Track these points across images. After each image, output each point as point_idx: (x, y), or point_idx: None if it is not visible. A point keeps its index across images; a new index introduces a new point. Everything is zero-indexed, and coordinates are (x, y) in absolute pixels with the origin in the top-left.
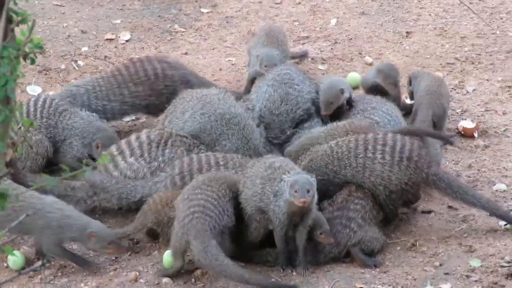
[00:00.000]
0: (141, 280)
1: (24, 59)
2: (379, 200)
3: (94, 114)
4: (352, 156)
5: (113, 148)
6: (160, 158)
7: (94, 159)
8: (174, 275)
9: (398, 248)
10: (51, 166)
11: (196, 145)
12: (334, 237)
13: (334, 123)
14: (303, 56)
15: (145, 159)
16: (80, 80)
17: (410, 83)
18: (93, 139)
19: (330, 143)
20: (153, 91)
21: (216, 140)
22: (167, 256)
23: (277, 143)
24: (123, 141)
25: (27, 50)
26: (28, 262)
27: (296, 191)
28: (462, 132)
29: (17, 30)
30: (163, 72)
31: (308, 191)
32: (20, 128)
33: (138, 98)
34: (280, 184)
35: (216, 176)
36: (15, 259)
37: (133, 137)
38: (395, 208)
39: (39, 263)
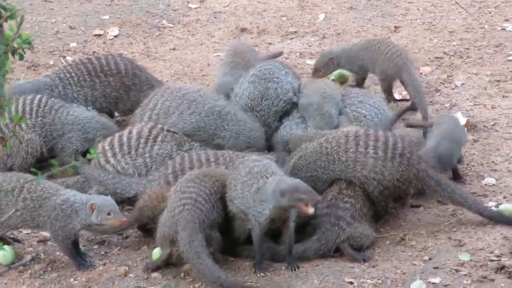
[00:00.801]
0: (131, 275)
1: (13, 54)
2: (371, 196)
3: (93, 109)
4: (341, 151)
5: (106, 143)
6: (147, 154)
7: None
8: (163, 264)
9: (387, 242)
10: (41, 162)
11: (187, 140)
12: (323, 234)
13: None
14: (275, 56)
15: (131, 156)
16: (49, 72)
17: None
18: (96, 135)
19: (319, 140)
20: (123, 84)
21: (213, 135)
22: (157, 252)
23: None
24: (116, 136)
25: (15, 45)
26: (17, 257)
27: (301, 199)
28: None
29: (5, 25)
30: (132, 70)
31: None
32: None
33: (109, 87)
34: (261, 189)
35: (210, 172)
36: (4, 253)
37: (125, 131)
38: (386, 205)
39: (29, 257)
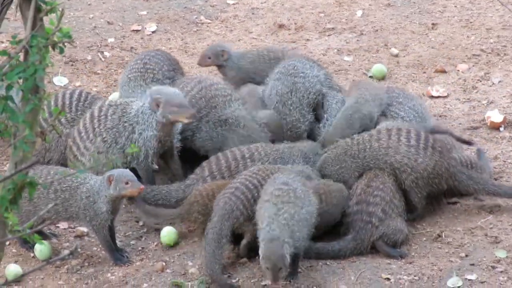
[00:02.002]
0: (168, 270)
1: (53, 48)
2: (404, 187)
3: None
4: (373, 140)
5: (75, 131)
6: (103, 130)
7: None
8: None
9: (424, 239)
10: None
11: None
12: (357, 234)
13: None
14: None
15: (90, 140)
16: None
17: None
18: None
19: (353, 135)
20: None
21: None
22: (167, 233)
23: (301, 129)
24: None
25: (56, 39)
26: (54, 252)
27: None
28: (488, 124)
29: (45, 19)
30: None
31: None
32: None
33: None
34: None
35: (268, 167)
36: (41, 248)
37: (88, 115)
38: (422, 197)
39: (66, 252)
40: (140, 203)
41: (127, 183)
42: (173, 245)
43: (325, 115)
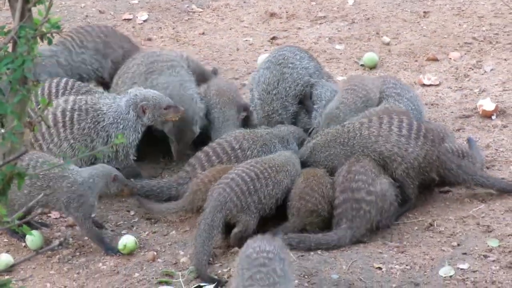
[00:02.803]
0: (159, 260)
1: (41, 39)
2: (395, 176)
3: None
4: (364, 128)
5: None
6: (70, 137)
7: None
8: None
9: (416, 228)
10: None
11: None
12: (352, 223)
13: (370, 109)
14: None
15: (55, 143)
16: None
17: None
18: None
19: (344, 123)
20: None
21: None
22: (128, 240)
23: (278, 119)
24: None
25: (44, 30)
26: (46, 242)
27: None
28: (480, 112)
29: (34, 10)
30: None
31: None
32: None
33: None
34: None
35: (267, 159)
36: (32, 238)
37: (50, 116)
38: (415, 187)
39: (57, 242)
40: (141, 199)
41: (124, 185)
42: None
43: (315, 106)
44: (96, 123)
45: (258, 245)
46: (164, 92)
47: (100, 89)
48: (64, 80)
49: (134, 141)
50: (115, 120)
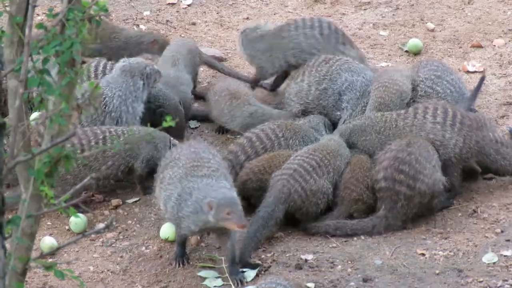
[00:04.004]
0: (202, 244)
1: (89, 21)
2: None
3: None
4: (400, 119)
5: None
6: None
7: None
8: None
9: (459, 214)
10: None
11: None
12: (388, 211)
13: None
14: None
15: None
16: None
17: None
18: (158, 106)
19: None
20: None
21: None
22: (168, 228)
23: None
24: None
25: (92, 12)
26: (90, 225)
27: None
28: None
29: None
30: None
31: None
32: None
33: None
34: None
35: (321, 146)
36: (77, 221)
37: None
38: (458, 175)
39: (101, 225)
40: None
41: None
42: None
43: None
44: None
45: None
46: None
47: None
48: (103, 62)
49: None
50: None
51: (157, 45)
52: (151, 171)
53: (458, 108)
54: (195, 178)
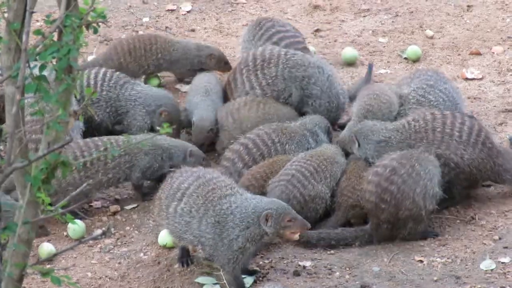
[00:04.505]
0: (200, 251)
1: (87, 28)
2: (448, 177)
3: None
4: (429, 129)
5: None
6: None
7: (153, 130)
8: None
9: (457, 221)
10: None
11: None
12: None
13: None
14: None
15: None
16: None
17: None
18: (158, 106)
19: (405, 119)
20: None
21: None
22: (166, 235)
23: None
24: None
25: (90, 19)
26: (88, 231)
27: None
28: None
29: None
30: None
31: None
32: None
33: None
34: None
35: (319, 152)
36: (75, 227)
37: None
38: (462, 189)
39: (99, 232)
40: None
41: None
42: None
43: None
44: None
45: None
46: None
47: (137, 80)
48: (102, 71)
49: None
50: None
51: (214, 60)
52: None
53: (483, 126)
54: (223, 200)
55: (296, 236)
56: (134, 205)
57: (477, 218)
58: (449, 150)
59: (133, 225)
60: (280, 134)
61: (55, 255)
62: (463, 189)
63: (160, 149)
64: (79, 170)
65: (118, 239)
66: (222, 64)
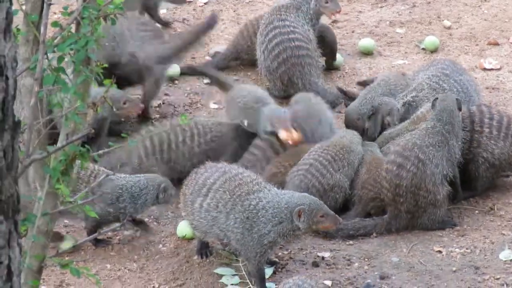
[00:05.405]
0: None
1: (105, 20)
2: (475, 172)
3: None
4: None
5: None
6: None
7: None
8: None
9: (476, 211)
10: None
11: None
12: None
13: (417, 113)
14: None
15: None
16: None
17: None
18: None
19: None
20: None
21: None
22: (184, 226)
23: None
24: None
25: (107, 10)
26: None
27: None
28: None
29: None
30: None
31: None
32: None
33: None
34: None
35: (335, 141)
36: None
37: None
38: (485, 182)
39: (118, 223)
40: None
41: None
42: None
43: None
44: None
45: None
46: None
47: None
48: None
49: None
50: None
51: None
52: None
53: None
54: (251, 195)
55: (333, 227)
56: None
57: (495, 209)
58: (480, 148)
59: (151, 217)
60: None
61: (74, 246)
62: (486, 182)
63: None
64: None
65: (137, 230)
66: None
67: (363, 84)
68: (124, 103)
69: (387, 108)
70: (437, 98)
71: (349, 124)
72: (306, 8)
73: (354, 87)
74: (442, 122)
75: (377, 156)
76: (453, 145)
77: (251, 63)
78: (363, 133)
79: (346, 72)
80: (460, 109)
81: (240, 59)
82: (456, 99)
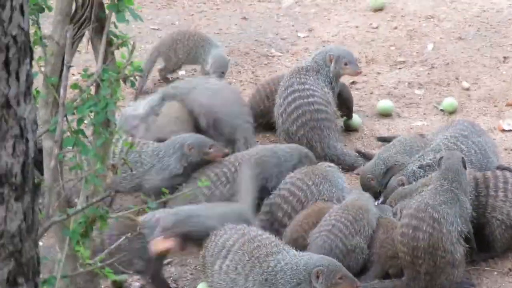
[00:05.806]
0: None
1: (124, 82)
2: (491, 235)
3: None
4: (473, 196)
5: None
6: None
7: None
8: None
9: (495, 273)
10: None
11: None
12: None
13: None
14: None
15: None
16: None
17: None
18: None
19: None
20: None
21: None
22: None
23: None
24: None
25: (127, 73)
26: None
27: None
28: None
29: (117, 53)
30: None
31: None
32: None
33: None
34: None
35: (352, 203)
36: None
37: None
38: (504, 244)
39: (137, 285)
40: None
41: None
42: None
43: None
44: None
45: None
46: None
47: None
48: None
49: None
50: None
51: None
52: None
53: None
54: (270, 257)
55: None
56: (171, 259)
57: None
58: (495, 212)
59: (170, 278)
60: (311, 175)
61: None
62: (506, 243)
63: None
64: None
65: None
66: None
67: (383, 140)
68: (210, 148)
69: (400, 167)
70: (442, 157)
71: (364, 185)
72: (326, 71)
73: (373, 149)
74: (448, 181)
75: (391, 219)
76: (464, 200)
77: (269, 126)
78: (379, 193)
79: (365, 134)
80: (465, 167)
81: (256, 122)
82: (462, 157)
